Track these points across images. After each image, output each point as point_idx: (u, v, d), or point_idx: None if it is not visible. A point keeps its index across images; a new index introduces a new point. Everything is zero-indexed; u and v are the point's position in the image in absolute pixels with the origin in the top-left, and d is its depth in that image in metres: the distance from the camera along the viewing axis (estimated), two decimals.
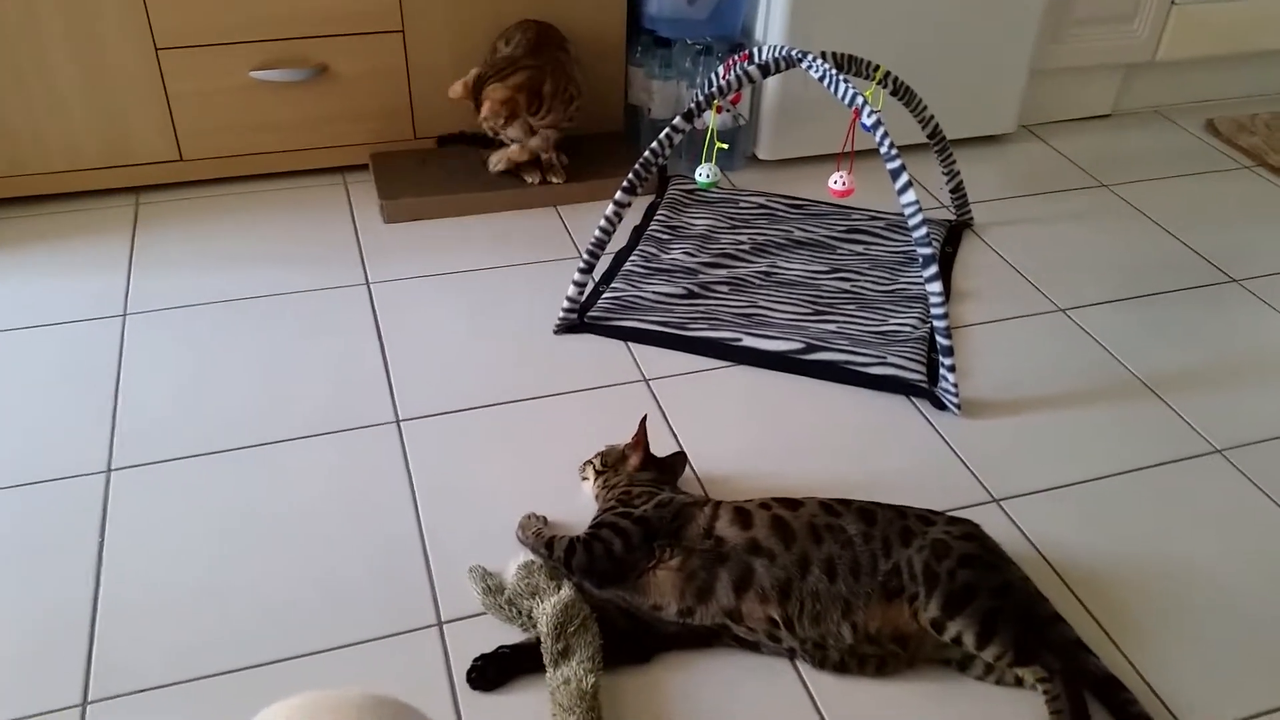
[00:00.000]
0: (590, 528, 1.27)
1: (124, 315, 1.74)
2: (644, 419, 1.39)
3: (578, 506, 1.38)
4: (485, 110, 1.88)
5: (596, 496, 1.36)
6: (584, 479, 1.41)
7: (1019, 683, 1.16)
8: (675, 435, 1.53)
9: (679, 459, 1.43)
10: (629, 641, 1.20)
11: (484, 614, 1.24)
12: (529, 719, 1.12)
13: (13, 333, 1.69)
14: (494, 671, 1.16)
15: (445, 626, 1.23)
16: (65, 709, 1.13)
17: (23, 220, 1.97)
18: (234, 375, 1.61)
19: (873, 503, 1.27)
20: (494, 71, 1.89)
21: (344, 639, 1.21)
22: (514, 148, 2.00)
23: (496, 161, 2.04)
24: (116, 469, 1.43)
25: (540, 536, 1.29)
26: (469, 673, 1.16)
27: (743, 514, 1.25)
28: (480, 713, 1.13)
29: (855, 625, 1.16)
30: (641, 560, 1.22)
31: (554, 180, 2.04)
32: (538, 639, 1.17)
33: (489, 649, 1.18)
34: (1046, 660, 1.14)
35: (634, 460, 1.37)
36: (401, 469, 1.45)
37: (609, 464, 1.38)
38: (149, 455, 1.46)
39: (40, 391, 1.56)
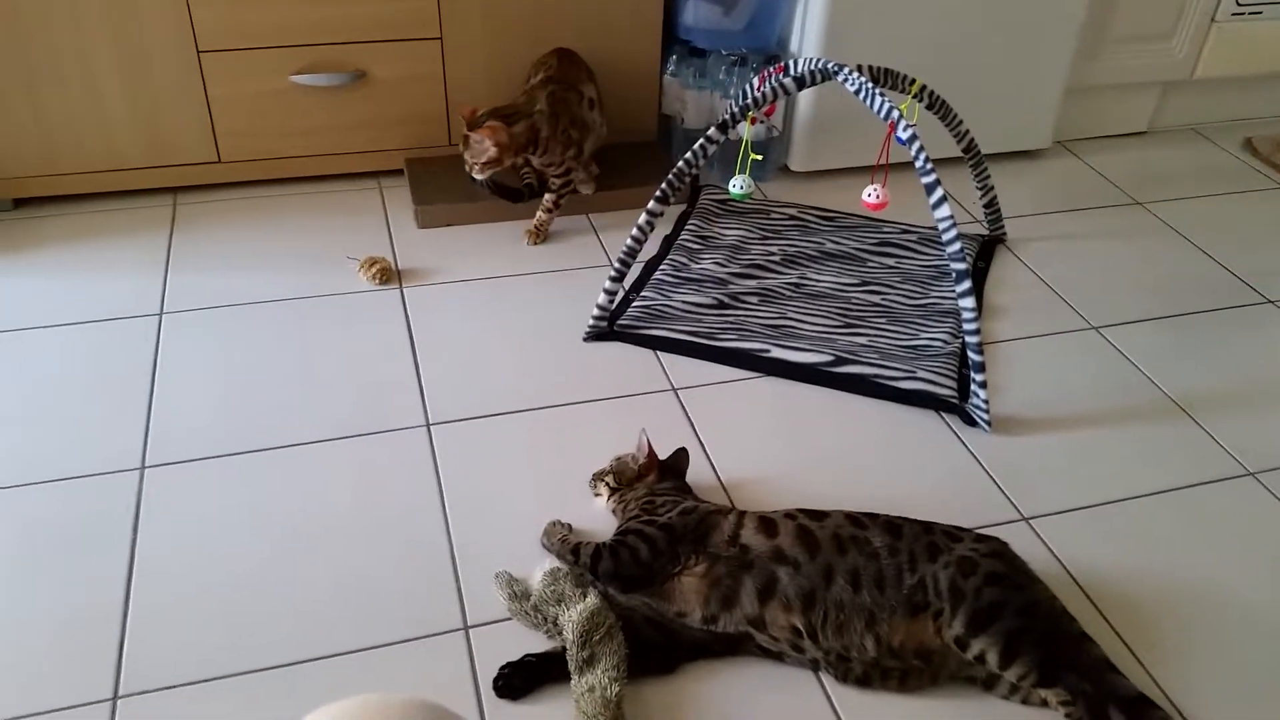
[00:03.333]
0: (616, 534, 1.28)
1: (160, 314, 1.76)
2: (643, 433, 1.39)
3: (603, 514, 1.38)
4: (478, 137, 1.83)
5: (614, 511, 1.37)
6: (596, 494, 1.41)
7: (1044, 704, 1.15)
8: (702, 444, 1.53)
9: (682, 455, 1.43)
10: (654, 650, 1.20)
11: (510, 619, 1.25)
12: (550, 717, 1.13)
13: (52, 330, 1.71)
14: (520, 680, 1.17)
15: (471, 631, 1.24)
16: (96, 703, 1.14)
17: (63, 218, 2.00)
18: (268, 376, 1.63)
19: (899, 517, 1.27)
20: (500, 115, 1.87)
21: (371, 641, 1.22)
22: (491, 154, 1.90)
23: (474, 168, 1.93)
24: (150, 466, 1.45)
25: (566, 543, 1.30)
26: (495, 681, 1.17)
27: (768, 523, 1.25)
28: (502, 711, 1.14)
29: (879, 638, 1.16)
30: (667, 566, 1.22)
31: (537, 243, 1.99)
32: (563, 647, 1.18)
33: (514, 654, 1.19)
34: (1070, 683, 1.13)
35: (651, 477, 1.38)
36: (431, 472, 1.46)
37: (623, 482, 1.38)
38: (182, 454, 1.48)
39: (76, 388, 1.59)
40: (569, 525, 1.36)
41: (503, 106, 1.88)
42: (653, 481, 1.38)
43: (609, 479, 1.39)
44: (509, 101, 1.91)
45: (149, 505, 1.39)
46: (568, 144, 1.92)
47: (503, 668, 1.18)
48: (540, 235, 1.98)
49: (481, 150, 1.84)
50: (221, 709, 1.14)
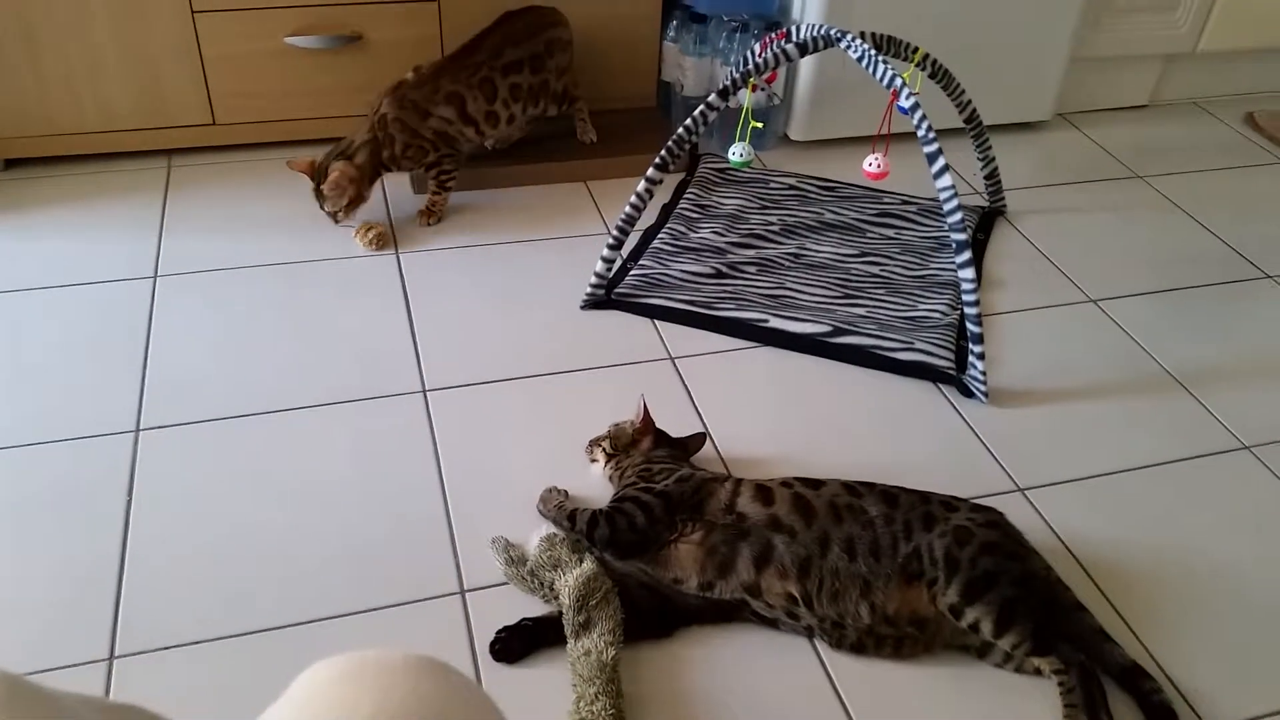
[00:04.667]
0: (612, 501, 1.28)
1: (154, 277, 1.75)
2: (641, 399, 1.39)
3: (599, 481, 1.38)
4: (330, 186, 1.78)
5: (610, 478, 1.37)
6: (593, 460, 1.41)
7: (1038, 672, 1.16)
8: (699, 414, 1.53)
9: (696, 440, 1.43)
10: (650, 615, 1.20)
11: (506, 584, 1.25)
12: (550, 690, 1.13)
13: (45, 291, 1.70)
14: (517, 643, 1.17)
15: (468, 595, 1.24)
16: (92, 663, 1.14)
17: (56, 180, 1.98)
18: (262, 340, 1.62)
19: (896, 486, 1.27)
20: (337, 152, 1.82)
21: (367, 604, 1.22)
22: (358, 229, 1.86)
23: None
24: (145, 429, 1.45)
25: (562, 509, 1.30)
26: (492, 645, 1.17)
27: (764, 491, 1.25)
28: (501, 682, 1.14)
29: (873, 605, 1.16)
30: (663, 533, 1.22)
31: (430, 223, 1.92)
32: (560, 612, 1.18)
33: (511, 619, 1.19)
34: (1063, 652, 1.14)
35: (646, 443, 1.38)
36: (427, 438, 1.46)
37: (619, 448, 1.38)
38: (177, 416, 1.47)
39: (71, 351, 1.58)
40: (565, 492, 1.36)
41: (337, 145, 1.84)
42: (649, 449, 1.38)
43: (605, 444, 1.39)
44: (341, 137, 1.85)
45: (144, 468, 1.39)
46: (423, 154, 1.87)
47: (499, 632, 1.18)
48: (433, 215, 1.93)
49: (340, 194, 1.80)
50: (217, 669, 1.14)
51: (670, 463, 1.33)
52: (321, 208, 1.84)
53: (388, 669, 0.60)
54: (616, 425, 1.41)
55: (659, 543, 1.22)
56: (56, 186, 1.97)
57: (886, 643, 1.18)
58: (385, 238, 1.85)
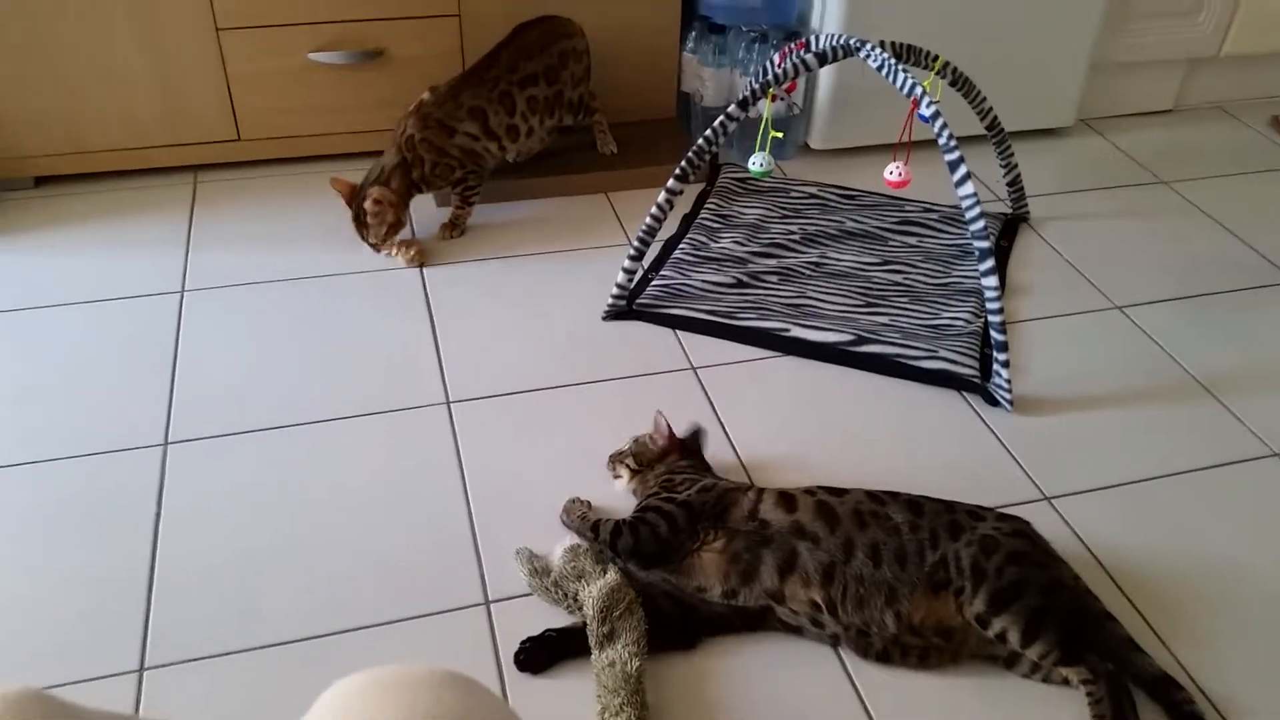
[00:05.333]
0: (636, 511, 1.28)
1: (182, 292, 1.77)
2: (659, 415, 1.39)
3: (622, 492, 1.38)
4: (372, 209, 1.80)
5: (634, 492, 1.37)
6: (616, 477, 1.40)
7: (1065, 682, 1.15)
8: (721, 424, 1.52)
9: (698, 434, 1.43)
10: (674, 625, 1.20)
11: (530, 595, 1.25)
12: (574, 701, 1.13)
13: (74, 307, 1.72)
14: (542, 654, 1.17)
15: (492, 606, 1.24)
16: (123, 674, 1.15)
17: (85, 196, 2.01)
18: (288, 353, 1.64)
19: (921, 495, 1.26)
20: (370, 180, 1.84)
21: (393, 615, 1.23)
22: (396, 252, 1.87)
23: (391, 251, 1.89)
24: (174, 442, 1.46)
25: (586, 520, 1.30)
26: (517, 655, 1.18)
27: (787, 498, 1.25)
28: (526, 693, 1.14)
29: (899, 614, 1.16)
30: (686, 542, 1.22)
31: (454, 235, 1.93)
32: (584, 623, 1.18)
33: (535, 629, 1.19)
34: (1092, 661, 1.12)
35: (672, 457, 1.38)
36: (451, 450, 1.47)
37: (644, 463, 1.38)
38: (205, 430, 1.49)
39: (100, 365, 1.60)
40: (588, 502, 1.36)
41: (368, 173, 1.85)
42: (673, 461, 1.38)
43: (629, 460, 1.39)
44: (372, 166, 1.87)
45: (173, 481, 1.40)
46: (450, 171, 1.88)
47: (524, 642, 1.18)
48: (457, 229, 1.94)
49: (380, 221, 1.82)
50: (246, 681, 1.15)
51: (693, 473, 1.33)
52: (363, 239, 1.85)
53: (411, 684, 0.60)
54: (637, 441, 1.41)
55: (682, 551, 1.23)
56: (85, 203, 1.99)
57: (913, 652, 1.17)
58: (425, 255, 1.86)
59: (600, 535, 1.26)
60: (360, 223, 1.84)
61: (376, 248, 1.86)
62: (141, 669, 1.16)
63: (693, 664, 1.19)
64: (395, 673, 0.61)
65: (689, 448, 1.40)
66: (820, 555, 1.18)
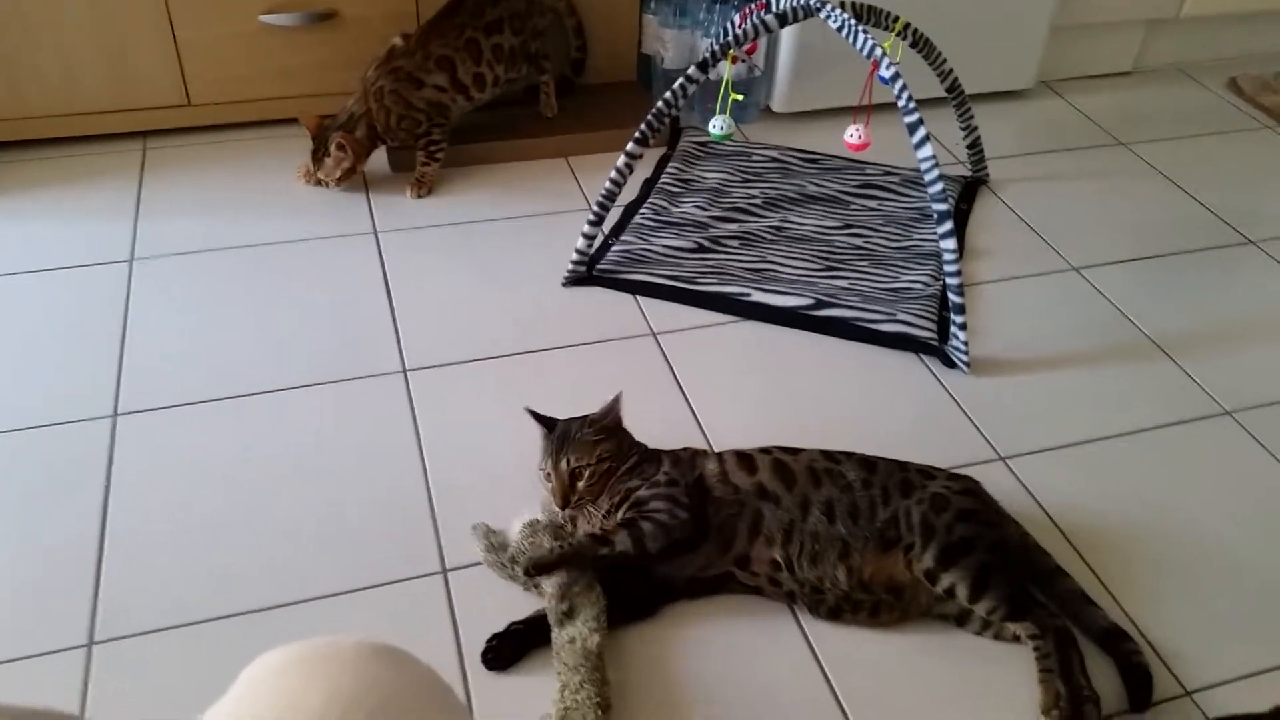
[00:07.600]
0: (630, 511, 1.20)
1: (131, 261, 1.73)
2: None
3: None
4: (334, 150, 1.83)
5: (589, 519, 1.24)
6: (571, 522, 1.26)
7: (1016, 639, 1.16)
8: (682, 389, 1.52)
9: (616, 401, 1.29)
10: (635, 597, 1.19)
11: None
12: (534, 679, 1.13)
13: (20, 276, 1.68)
14: (509, 649, 1.15)
15: (449, 574, 1.24)
16: (71, 649, 1.14)
17: (29, 164, 1.96)
18: (241, 322, 1.61)
19: (874, 455, 1.27)
20: (336, 125, 1.85)
21: (349, 584, 1.22)
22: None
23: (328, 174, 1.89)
24: (123, 414, 1.44)
25: (592, 549, 1.19)
26: (484, 655, 1.14)
27: (746, 459, 1.25)
28: (492, 680, 1.14)
29: (850, 569, 1.17)
30: (699, 516, 1.19)
31: (421, 194, 1.91)
32: (545, 602, 1.17)
33: (493, 599, 1.19)
34: (1039, 617, 1.14)
35: (610, 444, 1.26)
36: (408, 418, 1.45)
37: (584, 493, 1.24)
38: (155, 401, 1.46)
39: (47, 336, 1.57)
40: (551, 526, 1.25)
41: (335, 118, 1.87)
42: (617, 448, 1.26)
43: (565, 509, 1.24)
44: (340, 109, 1.87)
45: (122, 453, 1.38)
46: (415, 125, 1.88)
47: (489, 640, 1.15)
48: (424, 186, 1.92)
49: (337, 165, 1.85)
50: (197, 653, 1.14)
51: (650, 460, 1.27)
52: (314, 172, 1.88)
53: (338, 656, 0.58)
54: (546, 492, 1.28)
55: (707, 522, 1.19)
56: (30, 170, 1.94)
57: (863, 607, 1.18)
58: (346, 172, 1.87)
59: (618, 549, 1.17)
60: (318, 159, 1.86)
61: (323, 184, 1.89)
62: (90, 643, 1.14)
63: (653, 637, 1.19)
64: (319, 647, 0.59)
65: (622, 432, 1.30)
66: (781, 515, 1.19)
